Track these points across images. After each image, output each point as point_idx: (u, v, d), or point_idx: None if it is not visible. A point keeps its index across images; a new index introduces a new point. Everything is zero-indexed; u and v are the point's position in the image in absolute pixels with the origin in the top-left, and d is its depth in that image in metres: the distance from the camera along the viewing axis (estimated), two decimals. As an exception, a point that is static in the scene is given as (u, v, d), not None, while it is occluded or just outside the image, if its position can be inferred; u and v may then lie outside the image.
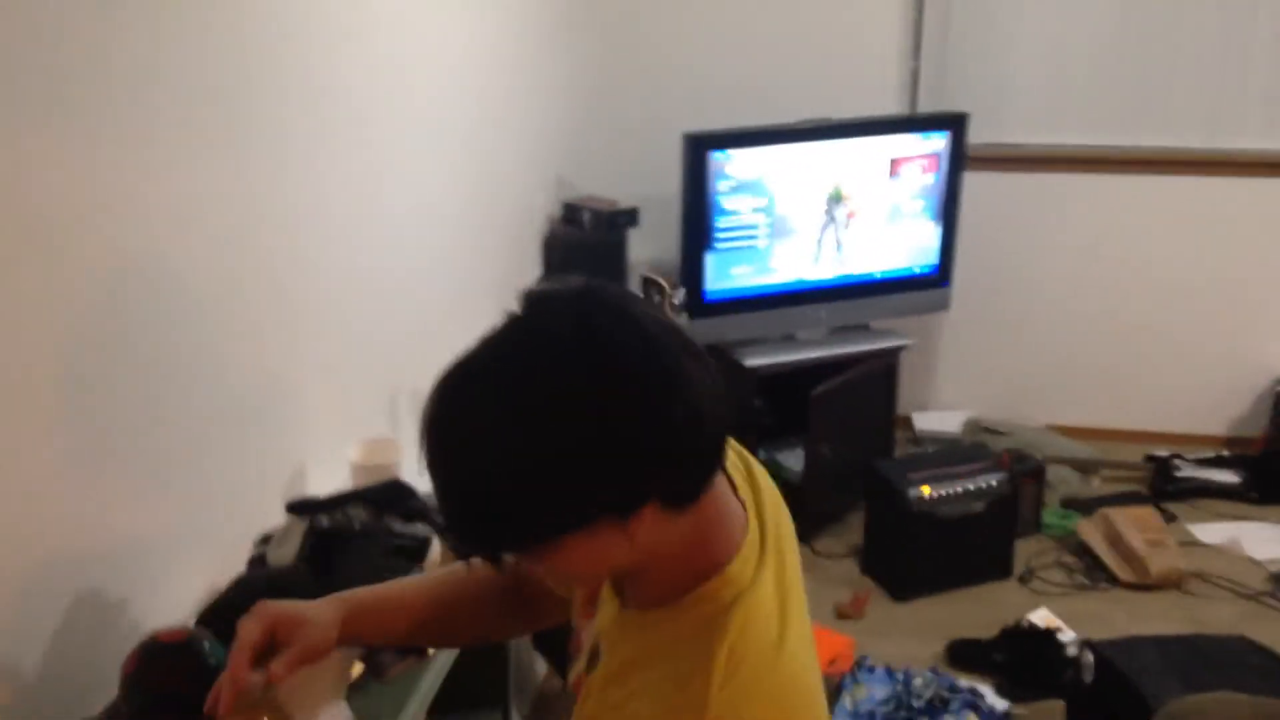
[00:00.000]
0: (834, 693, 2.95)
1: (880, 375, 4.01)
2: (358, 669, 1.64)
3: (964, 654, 3.23)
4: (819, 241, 3.93)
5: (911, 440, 4.44)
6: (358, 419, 2.34)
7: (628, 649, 1.08)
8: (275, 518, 1.87)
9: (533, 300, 1.00)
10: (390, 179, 2.46)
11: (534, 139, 3.56)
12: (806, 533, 3.49)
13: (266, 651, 1.16)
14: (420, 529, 1.87)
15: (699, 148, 3.68)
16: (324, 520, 1.72)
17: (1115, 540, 3.64)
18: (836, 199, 3.89)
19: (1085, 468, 4.23)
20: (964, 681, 3.04)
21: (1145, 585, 3.53)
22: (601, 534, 0.97)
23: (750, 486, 1.17)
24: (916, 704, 2.95)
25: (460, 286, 2.93)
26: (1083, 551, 3.71)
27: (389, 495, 1.91)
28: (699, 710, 0.98)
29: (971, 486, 3.49)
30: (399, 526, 1.85)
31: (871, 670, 3.06)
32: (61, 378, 1.46)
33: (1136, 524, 3.66)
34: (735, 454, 1.17)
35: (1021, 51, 4.17)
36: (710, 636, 1.03)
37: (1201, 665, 2.71)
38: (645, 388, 0.94)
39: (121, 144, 1.54)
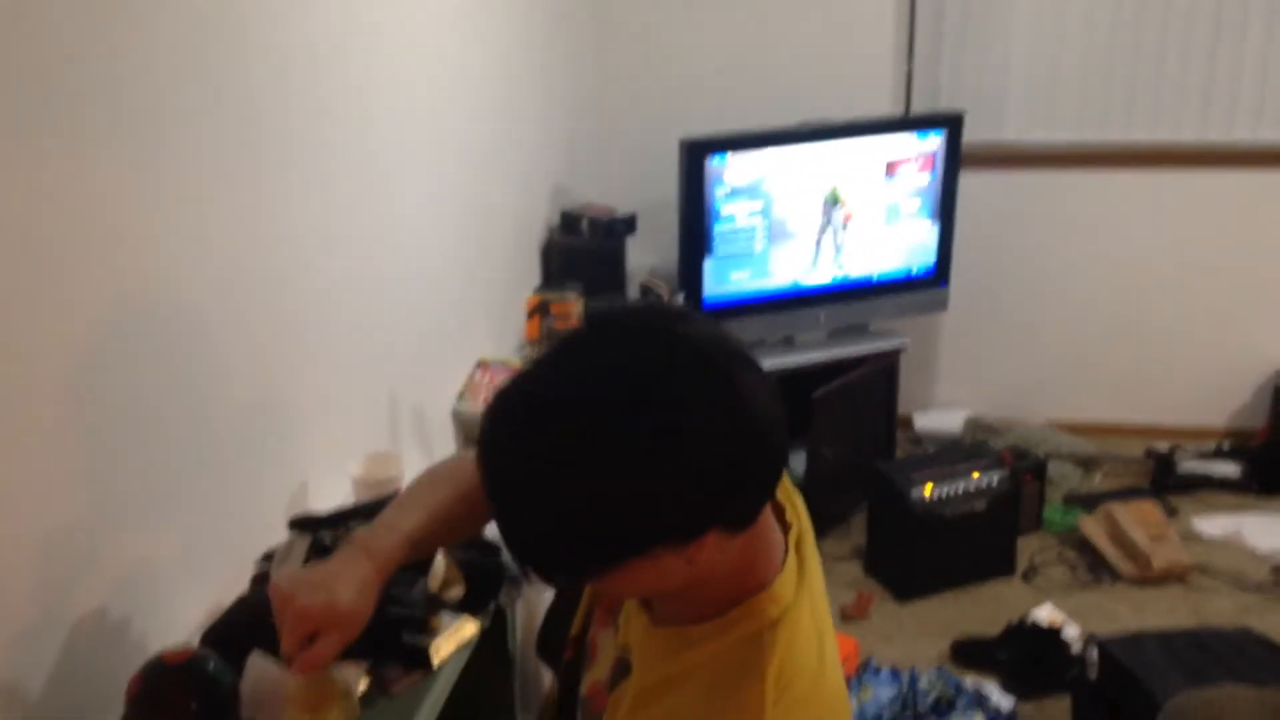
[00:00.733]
0: (840, 695, 2.95)
1: (880, 376, 4.01)
2: (363, 683, 1.65)
3: (969, 653, 3.23)
4: (817, 244, 3.94)
5: (912, 440, 4.45)
6: (358, 433, 2.35)
7: (666, 665, 1.08)
8: (278, 534, 1.88)
9: (596, 326, 0.99)
10: (389, 193, 2.47)
11: (532, 148, 3.57)
12: (810, 535, 3.49)
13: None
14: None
15: (696, 153, 3.69)
16: (327, 537, 1.73)
17: (1118, 535, 3.65)
18: (833, 201, 3.90)
19: (1086, 463, 4.24)
20: (969, 680, 3.05)
21: (1148, 580, 3.54)
22: (663, 559, 0.97)
23: (786, 497, 1.18)
24: (923, 705, 2.95)
25: (459, 298, 2.94)
26: (1085, 547, 3.72)
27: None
28: None
29: (973, 485, 3.50)
30: (401, 541, 1.86)
31: (877, 672, 3.06)
32: (64, 395, 1.47)
33: (1138, 518, 3.66)
34: None
35: (1014, 49, 4.17)
36: (758, 653, 1.03)
37: (1206, 659, 2.71)
38: (714, 421, 0.93)
39: (122, 166, 1.55)
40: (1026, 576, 3.62)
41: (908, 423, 4.47)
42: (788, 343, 4.04)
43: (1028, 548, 3.73)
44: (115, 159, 1.54)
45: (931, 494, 3.44)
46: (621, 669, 1.15)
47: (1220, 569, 3.60)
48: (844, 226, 3.94)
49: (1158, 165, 4.23)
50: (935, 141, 3.94)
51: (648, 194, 4.00)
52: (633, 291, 3.78)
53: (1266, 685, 2.42)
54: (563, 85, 3.87)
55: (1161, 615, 3.38)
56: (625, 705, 1.10)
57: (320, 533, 1.75)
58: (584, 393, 0.94)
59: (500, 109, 3.21)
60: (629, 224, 3.72)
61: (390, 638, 1.66)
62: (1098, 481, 4.18)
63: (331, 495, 2.16)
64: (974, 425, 4.42)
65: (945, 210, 4.04)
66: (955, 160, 3.98)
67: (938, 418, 4.51)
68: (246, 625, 1.59)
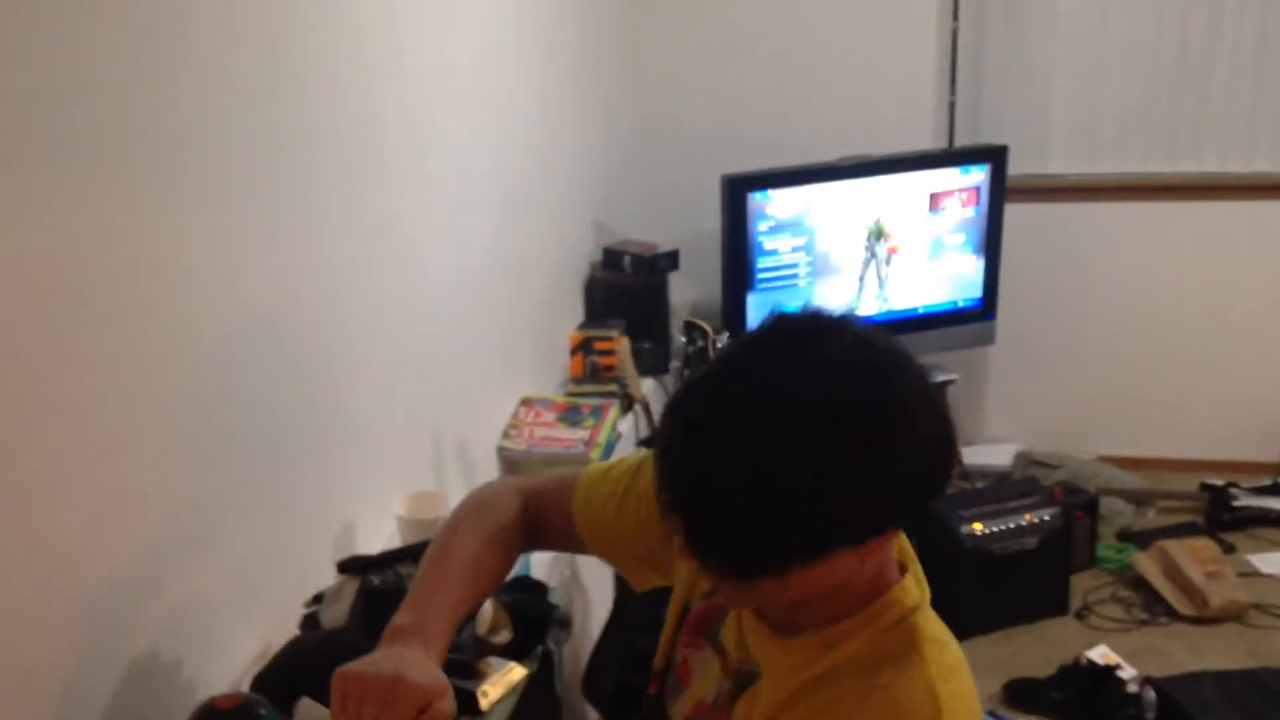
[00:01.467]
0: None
1: (927, 411, 3.97)
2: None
3: (1022, 693, 3.18)
4: (861, 278, 3.91)
5: (961, 475, 4.39)
6: (402, 471, 2.35)
7: (809, 668, 1.07)
8: (325, 574, 1.88)
9: (784, 325, 1.00)
10: (432, 231, 2.48)
11: (574, 185, 3.58)
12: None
13: None
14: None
15: (738, 189, 3.68)
16: (375, 580, 1.72)
17: (1173, 573, 3.58)
18: (878, 234, 3.88)
19: (1139, 499, 4.16)
20: (1023, 722, 3.00)
21: (1205, 618, 3.46)
22: (838, 559, 0.99)
23: None
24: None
25: (502, 335, 2.94)
26: (1140, 585, 3.65)
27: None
28: (933, 709, 1.00)
29: (1024, 522, 3.45)
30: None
31: (928, 712, 3.01)
32: (132, 437, 1.48)
33: (1194, 556, 3.59)
34: None
35: (1055, 81, 4.15)
36: (909, 632, 1.06)
37: (1265, 700, 2.65)
38: (930, 412, 0.97)
39: (159, 205, 1.57)
40: (1080, 615, 3.55)
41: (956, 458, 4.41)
42: (833, 378, 4.00)
43: (1081, 586, 3.67)
44: (132, 198, 1.55)
45: (981, 531, 3.40)
46: (745, 678, 1.14)
47: (1278, 607, 3.52)
48: (888, 260, 3.92)
49: (1204, 196, 4.17)
50: (978, 175, 3.92)
51: (690, 229, 3.99)
52: (676, 327, 3.77)
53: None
54: (603, 122, 3.88)
55: (1218, 655, 3.30)
56: (762, 712, 1.09)
57: (369, 575, 1.75)
58: (821, 384, 0.94)
59: (541, 148, 3.23)
60: (672, 259, 3.72)
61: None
62: (1151, 518, 4.11)
63: (377, 534, 2.16)
64: (1023, 460, 4.37)
65: (991, 243, 4.00)
66: (1000, 193, 3.95)
67: (986, 452, 4.45)
68: (296, 670, 1.58)
